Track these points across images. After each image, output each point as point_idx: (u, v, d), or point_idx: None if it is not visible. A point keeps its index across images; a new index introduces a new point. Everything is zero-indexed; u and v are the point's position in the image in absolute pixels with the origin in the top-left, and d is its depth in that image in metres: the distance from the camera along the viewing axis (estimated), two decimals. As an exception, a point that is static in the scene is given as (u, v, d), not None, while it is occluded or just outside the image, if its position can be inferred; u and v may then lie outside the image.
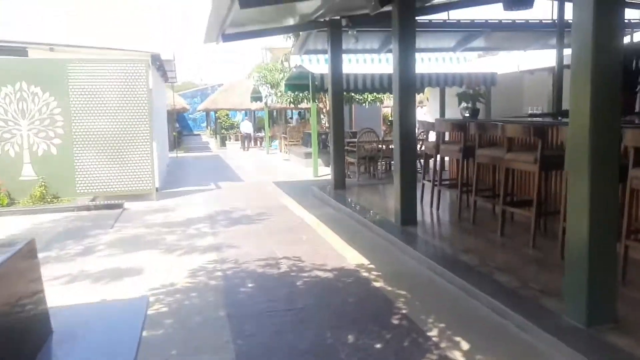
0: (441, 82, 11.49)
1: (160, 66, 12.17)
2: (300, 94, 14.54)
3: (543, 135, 5.00)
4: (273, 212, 8.14)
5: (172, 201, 9.53)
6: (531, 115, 8.01)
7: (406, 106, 6.17)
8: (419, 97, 23.02)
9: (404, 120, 6.18)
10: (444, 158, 7.17)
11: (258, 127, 30.81)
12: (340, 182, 9.29)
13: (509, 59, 13.95)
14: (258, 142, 27.45)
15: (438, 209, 7.07)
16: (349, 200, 8.36)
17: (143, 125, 9.40)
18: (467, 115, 7.52)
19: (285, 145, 19.99)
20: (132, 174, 9.43)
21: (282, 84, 15.08)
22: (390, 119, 30.83)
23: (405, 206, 6.27)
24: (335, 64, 9.13)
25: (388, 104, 24.54)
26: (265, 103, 19.52)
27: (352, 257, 5.45)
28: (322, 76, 10.85)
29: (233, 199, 9.60)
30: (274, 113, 30.61)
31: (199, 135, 42.69)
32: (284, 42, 27.61)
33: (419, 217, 6.47)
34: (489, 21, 9.58)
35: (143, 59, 9.31)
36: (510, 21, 9.69)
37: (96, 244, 6.36)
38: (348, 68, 11.02)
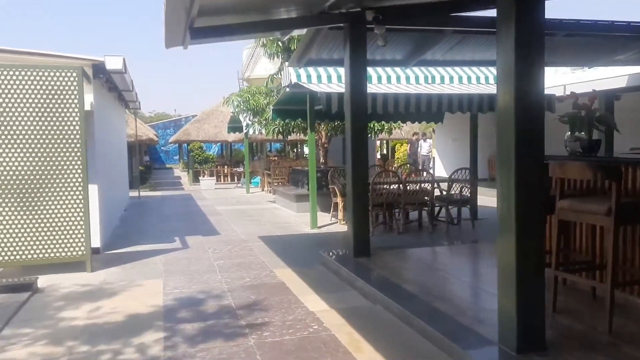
0: (474, 106, 8.79)
1: (111, 84, 9.22)
2: (292, 122, 11.75)
3: None
4: (268, 300, 5.15)
5: (114, 273, 6.45)
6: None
7: (533, 139, 3.38)
8: (420, 126, 20.45)
9: (526, 161, 3.36)
10: (563, 223, 4.32)
11: (235, 162, 27.87)
12: (362, 247, 6.37)
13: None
14: (235, 178, 24.47)
15: (554, 309, 4.18)
16: (385, 278, 5.44)
17: (73, 162, 6.38)
18: (580, 150, 4.77)
19: (269, 183, 17.07)
20: (56, 234, 6.36)
21: (269, 109, 12.24)
22: (380, 152, 28.11)
23: (528, 318, 3.39)
24: (357, 77, 6.34)
25: (396, 136, 21.66)
26: (246, 134, 16.64)
27: None
28: (328, 97, 8.05)
29: (205, 269, 6.57)
30: (254, 146, 27.81)
31: (170, 169, 39.52)
32: (264, 71, 24.92)
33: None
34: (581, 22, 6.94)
35: (75, 65, 6.36)
36: (608, 22, 7.06)
37: None
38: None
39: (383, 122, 12.63)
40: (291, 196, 12.15)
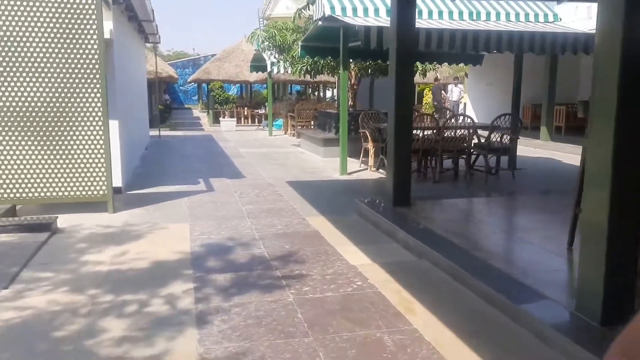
0: (525, 45, 8.02)
1: (131, 12, 8.61)
2: (321, 61, 11.03)
3: None
4: (304, 251, 4.76)
5: (137, 214, 6.11)
6: None
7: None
8: (452, 70, 19.50)
9: (631, 106, 2.80)
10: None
11: (255, 103, 27.23)
12: (403, 196, 5.90)
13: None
14: (256, 120, 23.94)
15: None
16: (430, 230, 5.00)
17: (92, 94, 5.91)
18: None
19: (292, 126, 16.52)
20: (75, 171, 5.99)
21: (297, 46, 11.53)
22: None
23: (617, 285, 2.93)
24: (405, 7, 5.66)
25: (428, 80, 20.47)
26: (269, 73, 15.95)
27: None
28: (367, 31, 7.37)
29: (233, 214, 6.19)
30: (276, 87, 27.04)
31: (189, 109, 39.04)
32: (285, 9, 23.72)
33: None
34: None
35: (93, -13, 5.77)
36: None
37: (-56, 348, 2.96)
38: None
39: (417, 62, 11.85)
40: (318, 140, 11.63)
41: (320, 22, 8.70)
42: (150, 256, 4.57)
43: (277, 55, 12.50)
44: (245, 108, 24.70)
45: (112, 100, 6.84)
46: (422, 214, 5.64)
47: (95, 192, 6.06)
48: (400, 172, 5.82)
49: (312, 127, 16.05)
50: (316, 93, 33.67)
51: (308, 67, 11.03)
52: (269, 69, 14.72)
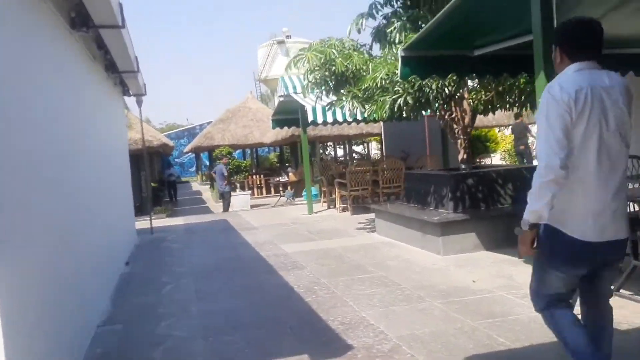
0: None
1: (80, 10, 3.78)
2: (433, 86, 6.05)
3: None
4: None
5: None
6: None
7: None
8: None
9: None
10: None
11: (267, 169, 22.49)
12: None
13: None
14: (272, 190, 19.08)
15: None
16: None
17: None
18: None
19: (342, 197, 11.52)
20: None
21: (369, 72, 6.65)
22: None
23: None
24: None
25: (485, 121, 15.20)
26: (305, 125, 11.13)
27: None
28: None
29: None
30: (291, 148, 22.25)
31: (187, 182, 34.18)
32: (282, 71, 19.48)
33: None
34: None
35: None
36: None
37: None
38: None
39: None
40: (426, 224, 6.57)
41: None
42: None
43: (332, 91, 7.63)
44: (257, 176, 19.92)
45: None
46: None
47: None
48: None
49: (368, 198, 11.15)
50: (327, 151, 28.98)
51: (408, 98, 6.08)
52: (310, 118, 9.86)
